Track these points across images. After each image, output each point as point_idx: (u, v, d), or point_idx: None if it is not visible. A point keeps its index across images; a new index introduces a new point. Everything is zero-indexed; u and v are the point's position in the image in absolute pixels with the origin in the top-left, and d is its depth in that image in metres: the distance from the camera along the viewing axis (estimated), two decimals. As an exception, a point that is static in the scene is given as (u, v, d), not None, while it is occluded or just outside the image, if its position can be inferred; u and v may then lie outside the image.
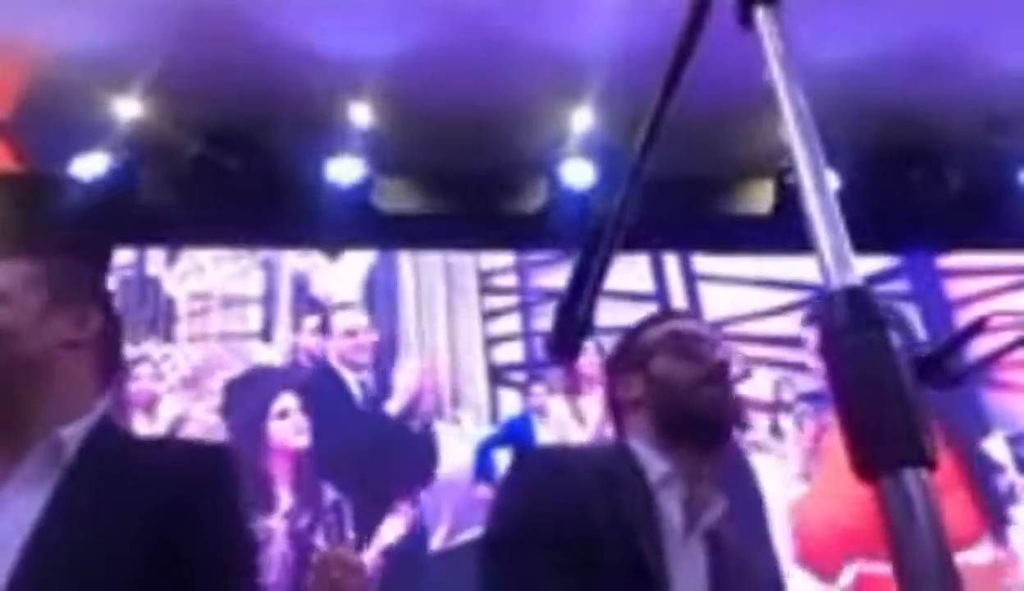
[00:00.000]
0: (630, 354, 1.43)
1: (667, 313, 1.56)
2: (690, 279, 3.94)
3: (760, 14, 0.59)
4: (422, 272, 3.89)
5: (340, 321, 3.73)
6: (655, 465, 1.27)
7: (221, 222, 3.78)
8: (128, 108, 3.57)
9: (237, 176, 3.62)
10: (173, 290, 3.66)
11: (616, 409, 1.44)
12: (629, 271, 3.85)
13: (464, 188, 3.96)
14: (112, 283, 3.62)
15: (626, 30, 3.20)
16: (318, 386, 3.54)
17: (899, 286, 3.94)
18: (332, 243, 3.97)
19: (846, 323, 0.48)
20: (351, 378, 3.58)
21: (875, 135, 3.71)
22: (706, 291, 3.90)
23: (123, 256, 3.71)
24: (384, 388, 3.59)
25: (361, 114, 3.64)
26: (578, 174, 3.75)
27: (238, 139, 3.64)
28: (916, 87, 3.57)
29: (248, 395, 3.47)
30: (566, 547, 1.12)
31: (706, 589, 1.20)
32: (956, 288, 3.95)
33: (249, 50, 3.36)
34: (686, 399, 1.31)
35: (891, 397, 0.45)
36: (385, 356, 3.67)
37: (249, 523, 1.28)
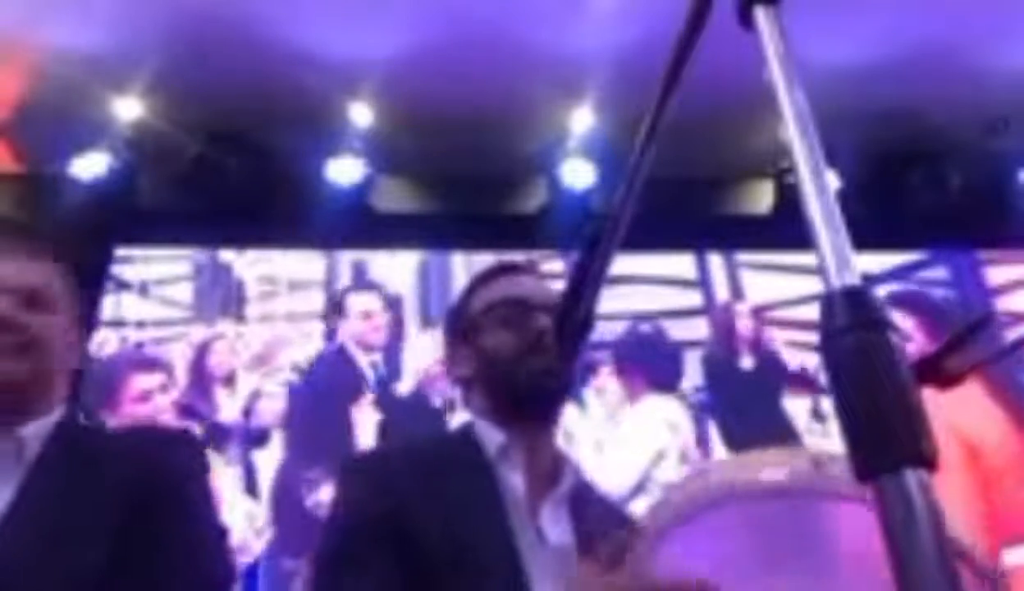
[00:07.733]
0: (460, 325, 1.38)
1: (498, 270, 1.43)
2: (732, 266, 4.06)
3: (760, 14, 0.59)
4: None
5: (356, 303, 3.87)
6: (492, 437, 1.25)
7: (221, 222, 3.78)
8: (128, 108, 3.57)
9: (237, 176, 3.62)
10: (243, 273, 3.89)
11: (458, 385, 1.40)
12: (673, 259, 4.01)
13: (464, 188, 3.95)
14: (187, 267, 3.89)
15: (626, 30, 3.20)
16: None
17: (938, 273, 4.02)
18: (331, 243, 3.97)
19: (846, 323, 0.47)
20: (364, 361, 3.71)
21: (875, 135, 3.71)
22: (748, 278, 4.03)
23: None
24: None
25: (361, 114, 3.64)
26: (578, 174, 3.75)
27: (238, 139, 3.64)
28: (916, 88, 3.57)
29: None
30: (392, 553, 1.08)
31: (574, 553, 1.17)
32: (996, 275, 4.01)
33: (249, 50, 3.36)
34: (510, 373, 1.27)
35: (891, 397, 0.45)
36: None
37: (218, 508, 1.29)
